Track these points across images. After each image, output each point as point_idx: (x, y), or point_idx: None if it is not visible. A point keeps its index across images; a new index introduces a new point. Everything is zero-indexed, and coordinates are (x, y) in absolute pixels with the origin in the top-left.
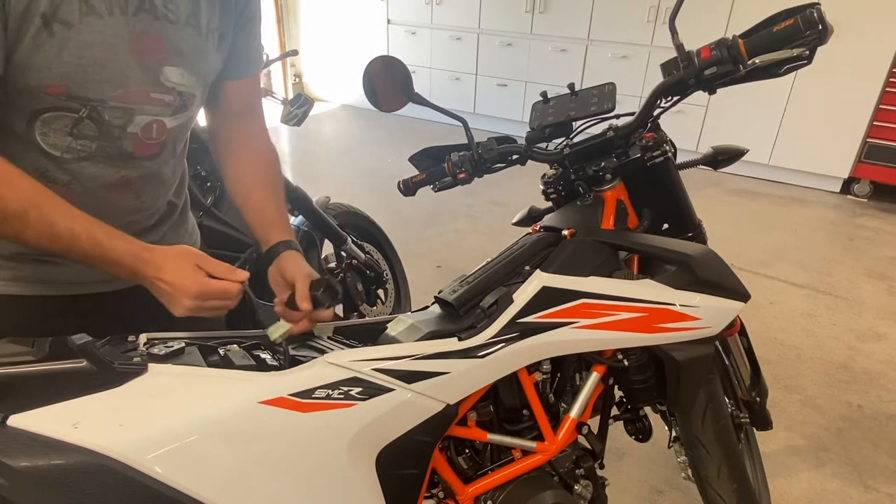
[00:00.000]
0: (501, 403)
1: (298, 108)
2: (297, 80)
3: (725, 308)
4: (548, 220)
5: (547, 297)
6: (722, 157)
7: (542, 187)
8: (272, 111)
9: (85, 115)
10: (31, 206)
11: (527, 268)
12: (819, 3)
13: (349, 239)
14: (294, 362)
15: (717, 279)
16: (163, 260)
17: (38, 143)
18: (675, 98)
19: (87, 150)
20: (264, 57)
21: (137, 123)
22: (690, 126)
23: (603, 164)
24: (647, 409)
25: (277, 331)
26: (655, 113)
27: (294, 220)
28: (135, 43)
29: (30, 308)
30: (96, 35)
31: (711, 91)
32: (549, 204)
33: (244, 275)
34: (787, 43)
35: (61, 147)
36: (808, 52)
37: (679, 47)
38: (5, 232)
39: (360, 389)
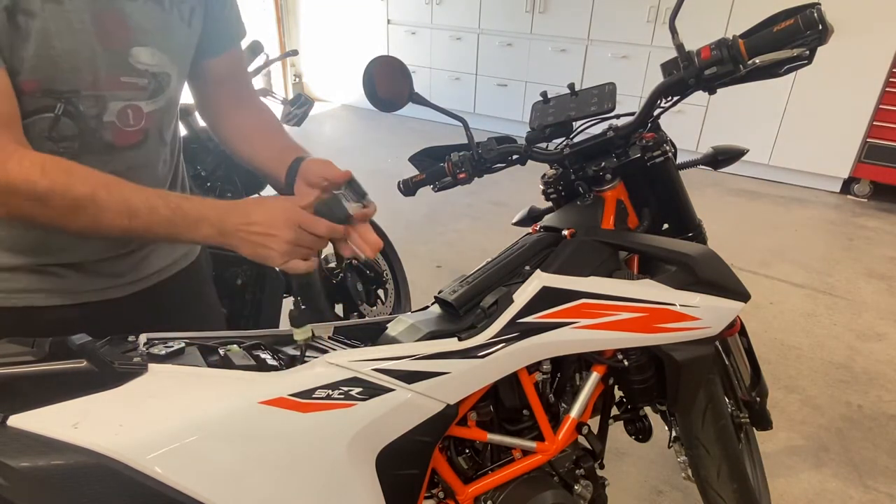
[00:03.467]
0: (501, 403)
1: (298, 108)
2: (297, 80)
3: (725, 308)
4: (548, 220)
5: (547, 297)
6: (722, 157)
7: (542, 187)
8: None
9: (61, 112)
10: (98, 187)
11: (527, 268)
12: (819, 3)
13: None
14: (294, 362)
15: (717, 279)
16: (250, 206)
17: None
18: (676, 98)
19: (70, 152)
20: (264, 57)
21: (112, 111)
22: (690, 126)
23: (603, 164)
24: (647, 409)
25: (304, 333)
26: (655, 113)
27: None
28: (99, 26)
29: (26, 319)
30: (60, 22)
31: (711, 91)
32: (549, 204)
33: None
34: (788, 43)
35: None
36: (808, 52)
37: (679, 47)
38: (85, 223)
39: (360, 389)
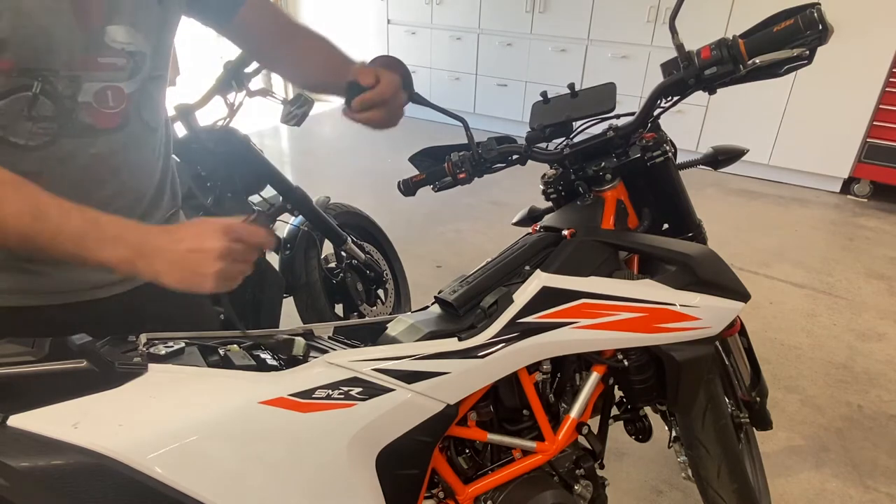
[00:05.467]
0: (501, 403)
1: (298, 108)
2: None
3: (725, 308)
4: (548, 220)
5: (547, 298)
6: (722, 157)
7: (542, 187)
8: (272, 111)
9: (39, 91)
10: (5, 182)
11: (527, 268)
12: (819, 3)
13: (349, 239)
14: (294, 362)
15: (717, 279)
16: (174, 227)
17: (1, 136)
18: (676, 98)
19: (50, 132)
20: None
21: (87, 91)
22: (690, 126)
23: (603, 164)
24: (647, 409)
25: (297, 349)
26: (655, 113)
27: (294, 220)
28: (74, 3)
29: (6, 320)
30: (34, 0)
31: (711, 91)
32: (549, 204)
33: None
34: (788, 43)
35: (24, 134)
36: (808, 52)
37: (679, 47)
38: None
39: (360, 389)
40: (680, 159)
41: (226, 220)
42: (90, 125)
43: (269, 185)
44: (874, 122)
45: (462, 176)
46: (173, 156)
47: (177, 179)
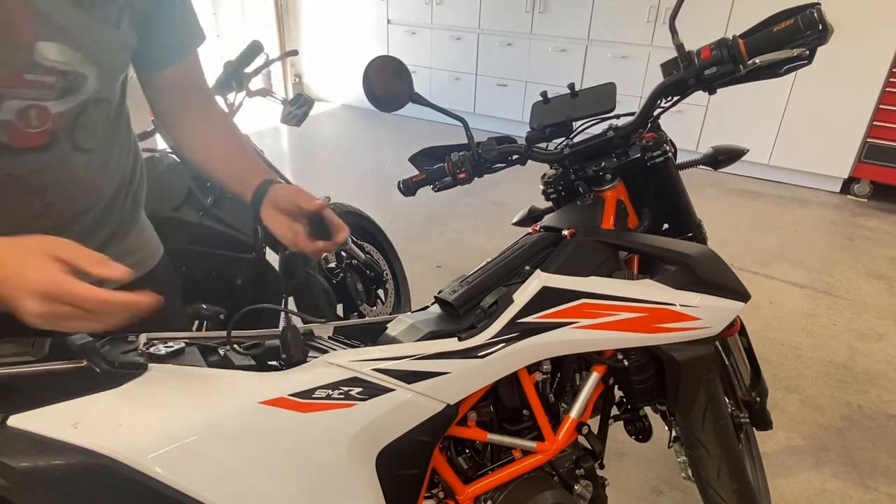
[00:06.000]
0: (501, 403)
1: (298, 108)
2: (297, 80)
3: (725, 308)
4: (548, 220)
5: (547, 297)
6: (722, 157)
7: (542, 187)
8: (272, 111)
9: None
10: None
11: (527, 268)
12: (819, 3)
13: (349, 239)
14: (294, 362)
15: (717, 279)
16: (3, 245)
17: None
18: (676, 98)
19: None
20: (264, 57)
21: (8, 109)
22: (690, 126)
23: (603, 164)
24: (647, 409)
25: None
26: (655, 113)
27: None
28: (1, 17)
29: None
30: None
31: (711, 91)
32: (549, 204)
33: (140, 297)
34: (788, 43)
35: None
36: (808, 52)
37: (679, 47)
38: None
39: (360, 389)
40: (680, 159)
41: (57, 271)
42: (7, 144)
43: None
44: (874, 122)
45: (462, 176)
46: (173, 156)
47: (141, 199)
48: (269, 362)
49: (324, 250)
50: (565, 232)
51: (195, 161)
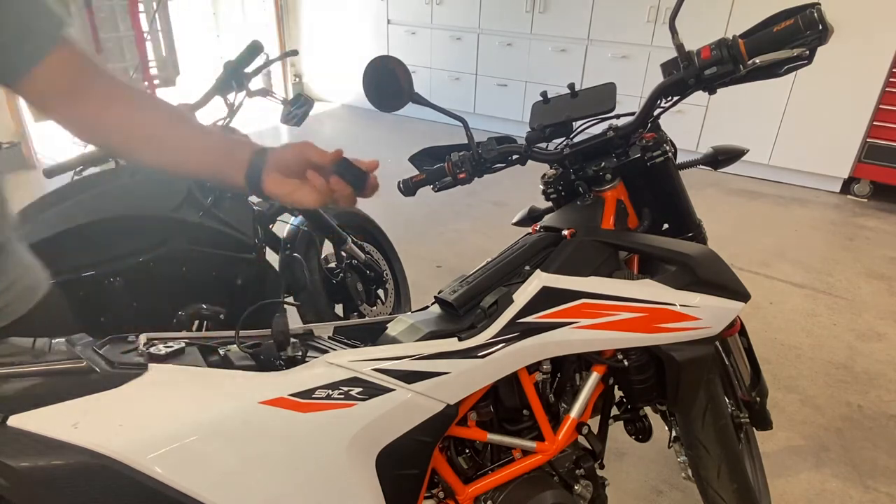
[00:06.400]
0: (501, 403)
1: (298, 108)
2: (297, 80)
3: (725, 308)
4: (548, 220)
5: (547, 298)
6: (722, 157)
7: (542, 187)
8: (272, 111)
9: None
10: None
11: (527, 268)
12: (819, 3)
13: (349, 239)
14: (294, 362)
15: (717, 279)
16: None
17: None
18: (676, 98)
19: None
20: (264, 57)
21: None
22: (690, 126)
23: (603, 164)
24: (647, 409)
25: None
26: (655, 113)
27: (294, 220)
28: None
29: None
30: None
31: (711, 91)
32: (549, 204)
33: None
34: (788, 43)
35: None
36: (808, 52)
37: (679, 47)
38: None
39: (360, 389)
40: (680, 159)
41: None
42: None
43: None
44: (874, 122)
45: (462, 176)
46: None
47: (8, 224)
48: (270, 362)
49: (366, 196)
50: (565, 232)
51: (134, 156)
